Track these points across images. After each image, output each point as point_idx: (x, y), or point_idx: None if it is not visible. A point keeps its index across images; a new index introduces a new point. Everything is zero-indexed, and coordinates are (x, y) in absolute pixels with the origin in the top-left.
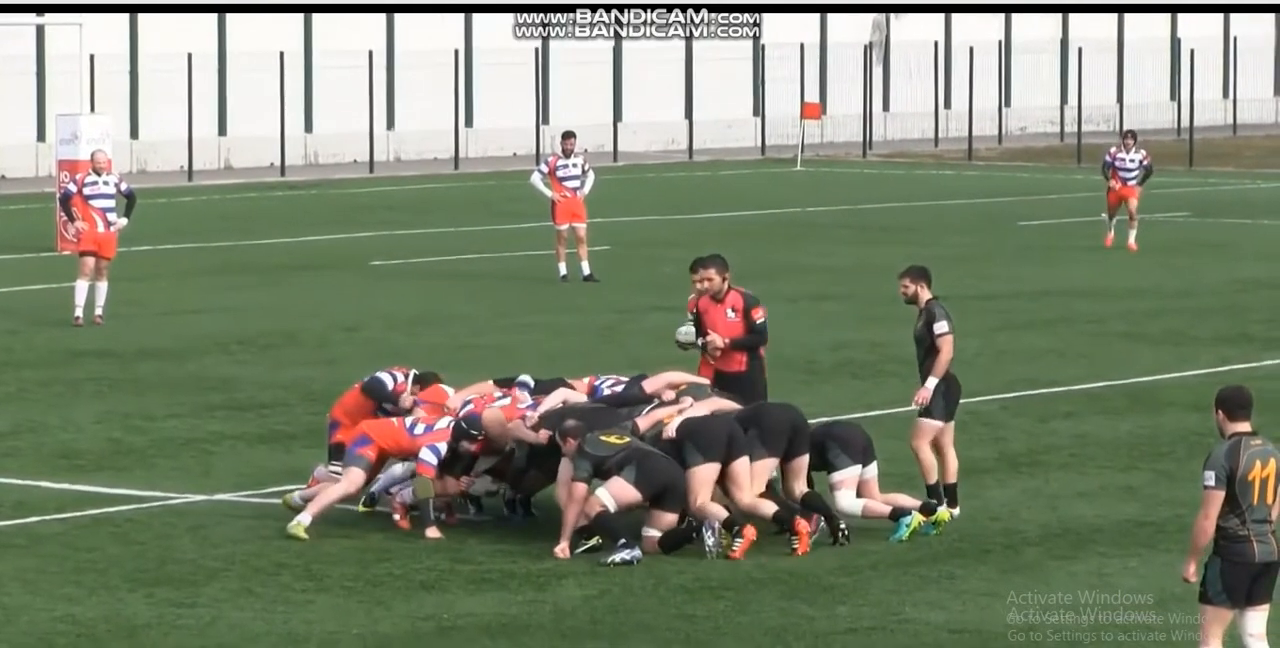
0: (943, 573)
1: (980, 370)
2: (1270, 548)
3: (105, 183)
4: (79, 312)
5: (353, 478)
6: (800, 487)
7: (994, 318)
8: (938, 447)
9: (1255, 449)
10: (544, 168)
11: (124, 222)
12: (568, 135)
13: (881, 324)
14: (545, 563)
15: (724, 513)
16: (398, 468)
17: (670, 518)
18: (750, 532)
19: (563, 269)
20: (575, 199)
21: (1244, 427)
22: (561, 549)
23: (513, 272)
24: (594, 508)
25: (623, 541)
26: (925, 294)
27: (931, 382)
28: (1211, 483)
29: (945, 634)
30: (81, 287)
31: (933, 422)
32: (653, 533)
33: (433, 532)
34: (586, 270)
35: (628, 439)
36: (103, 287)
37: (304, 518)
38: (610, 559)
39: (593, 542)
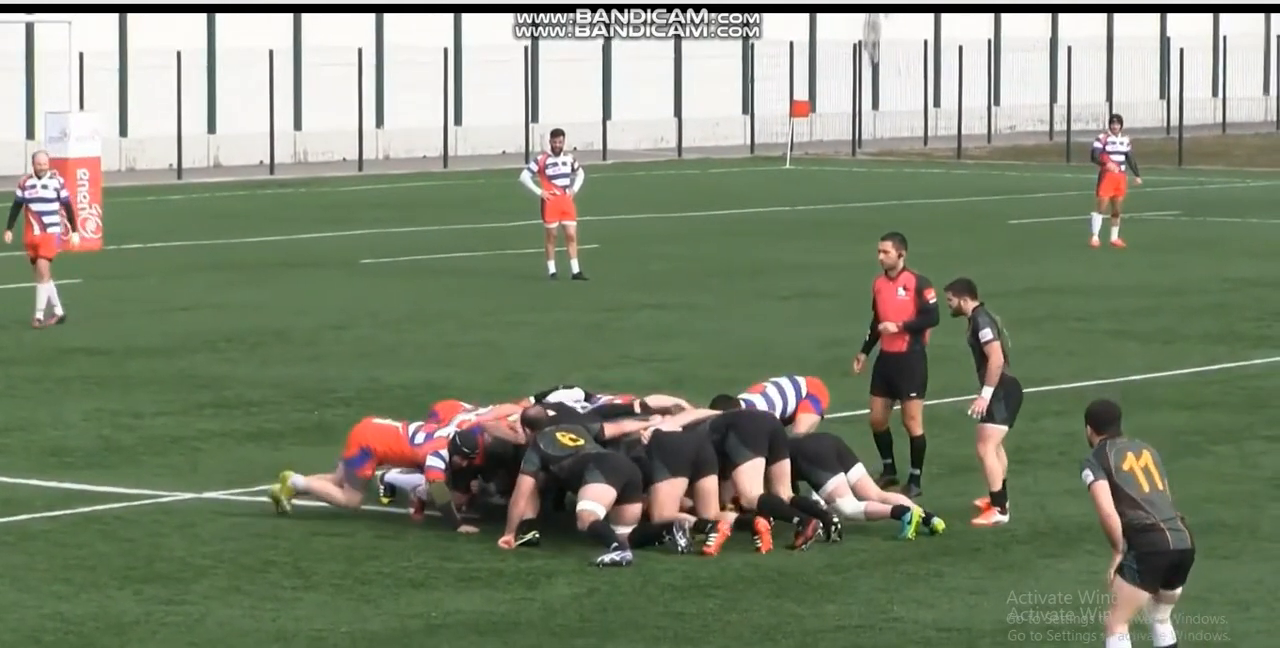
0: (931, 571)
1: (968, 368)
2: (1183, 536)
3: (45, 186)
4: (39, 314)
5: (352, 497)
6: (785, 491)
7: None
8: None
9: (1121, 444)
10: (534, 166)
11: (76, 239)
12: (556, 133)
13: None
14: (534, 561)
15: (691, 518)
16: (417, 476)
17: (635, 510)
18: (724, 526)
19: (552, 267)
20: (565, 197)
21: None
22: (505, 540)
23: (501, 270)
24: (585, 521)
25: (615, 544)
26: (970, 304)
27: (987, 391)
28: (1090, 477)
29: (933, 632)
30: (43, 289)
31: (996, 426)
32: (621, 530)
33: (466, 528)
34: (576, 269)
35: (581, 441)
36: (51, 286)
37: (298, 481)
38: (600, 559)
39: (530, 535)
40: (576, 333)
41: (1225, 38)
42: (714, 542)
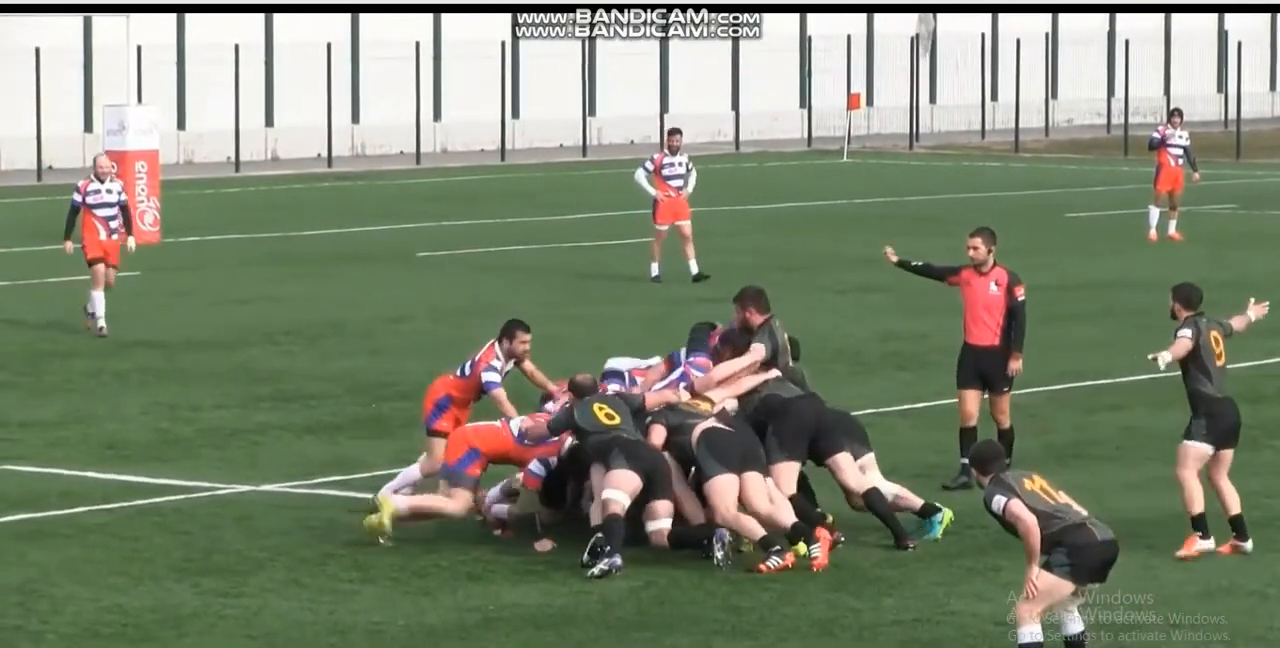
0: (988, 566)
1: (1026, 362)
2: (1107, 529)
3: (109, 190)
4: (102, 322)
5: (463, 500)
6: (850, 481)
7: (1040, 310)
8: (1209, 476)
9: (1013, 474)
10: (649, 165)
11: (133, 243)
12: (674, 132)
13: (928, 316)
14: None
15: (759, 531)
16: (413, 470)
17: (667, 506)
18: (823, 534)
19: (655, 269)
20: (679, 199)
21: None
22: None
23: (558, 263)
24: (610, 508)
25: (608, 548)
26: (1184, 313)
27: (1164, 355)
28: (1002, 499)
29: (991, 626)
30: (98, 296)
31: (1195, 444)
32: (661, 525)
33: (543, 545)
34: (695, 269)
35: (617, 419)
36: (103, 295)
37: (400, 503)
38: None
39: (600, 566)
40: (634, 327)
41: None
42: (820, 553)
